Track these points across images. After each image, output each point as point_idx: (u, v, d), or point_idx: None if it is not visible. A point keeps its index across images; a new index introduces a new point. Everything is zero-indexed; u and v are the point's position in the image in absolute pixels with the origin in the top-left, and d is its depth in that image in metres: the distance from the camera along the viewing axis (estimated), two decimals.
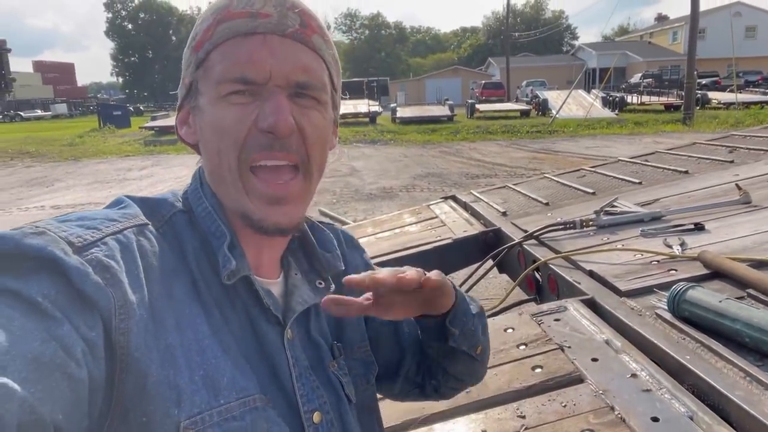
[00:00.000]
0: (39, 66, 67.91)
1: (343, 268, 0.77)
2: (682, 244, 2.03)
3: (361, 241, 3.11)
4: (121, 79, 76.75)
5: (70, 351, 0.47)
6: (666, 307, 1.57)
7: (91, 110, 45.24)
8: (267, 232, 0.64)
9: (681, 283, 1.55)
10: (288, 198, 0.64)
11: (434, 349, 0.81)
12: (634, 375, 1.34)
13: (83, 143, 19.33)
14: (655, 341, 1.46)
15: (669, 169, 3.33)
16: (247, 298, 0.64)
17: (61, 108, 49.50)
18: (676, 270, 1.84)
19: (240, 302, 0.64)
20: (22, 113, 44.64)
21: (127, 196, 0.66)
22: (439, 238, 2.80)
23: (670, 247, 2.03)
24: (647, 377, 1.33)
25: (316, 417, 0.66)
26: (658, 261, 1.94)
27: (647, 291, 1.74)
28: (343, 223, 5.87)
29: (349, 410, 0.71)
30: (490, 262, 2.62)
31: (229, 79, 0.62)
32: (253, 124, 0.61)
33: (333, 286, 0.74)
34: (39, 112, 47.09)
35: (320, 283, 0.74)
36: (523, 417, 1.26)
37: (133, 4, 71.86)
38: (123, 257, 0.55)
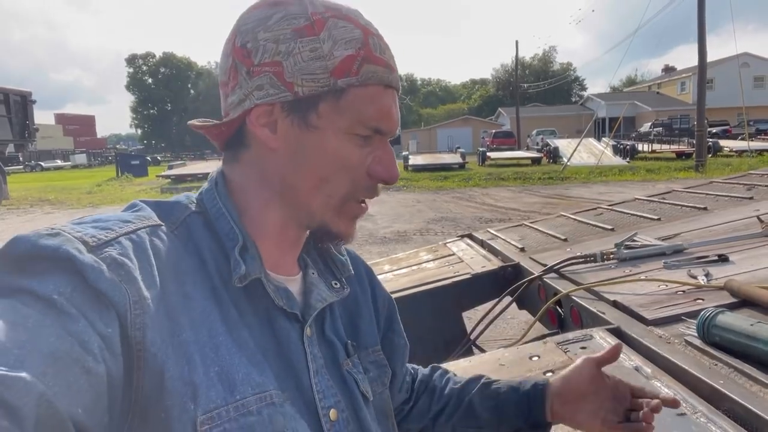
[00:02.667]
0: (60, 118, 70.14)
1: (353, 272, 0.80)
2: (707, 275, 2.00)
3: (378, 278, 3.07)
4: (139, 131, 78.91)
5: (86, 346, 0.47)
6: (695, 334, 1.54)
7: (110, 160, 46.35)
8: (339, 240, 0.71)
9: (710, 309, 1.53)
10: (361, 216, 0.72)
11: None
12: None
13: (101, 191, 19.71)
14: (687, 367, 1.42)
15: (687, 206, 3.32)
16: (263, 296, 0.65)
17: (81, 158, 50.77)
18: (702, 299, 1.81)
19: (258, 300, 0.65)
20: (42, 163, 45.80)
21: (141, 200, 0.67)
22: (457, 274, 2.78)
23: (695, 277, 2.01)
24: (681, 402, 1.28)
25: (333, 414, 0.66)
26: (683, 291, 1.91)
27: (675, 319, 1.70)
28: None
29: (365, 408, 0.71)
30: (508, 298, 2.59)
31: (369, 125, 0.65)
32: (366, 168, 0.67)
33: (348, 288, 0.77)
34: (59, 162, 48.35)
35: (335, 284, 0.76)
36: None
37: (154, 60, 74.63)
38: (136, 255, 0.56)
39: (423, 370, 0.98)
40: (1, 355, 0.41)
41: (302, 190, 0.66)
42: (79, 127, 70.32)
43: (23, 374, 0.41)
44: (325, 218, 0.68)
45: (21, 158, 19.30)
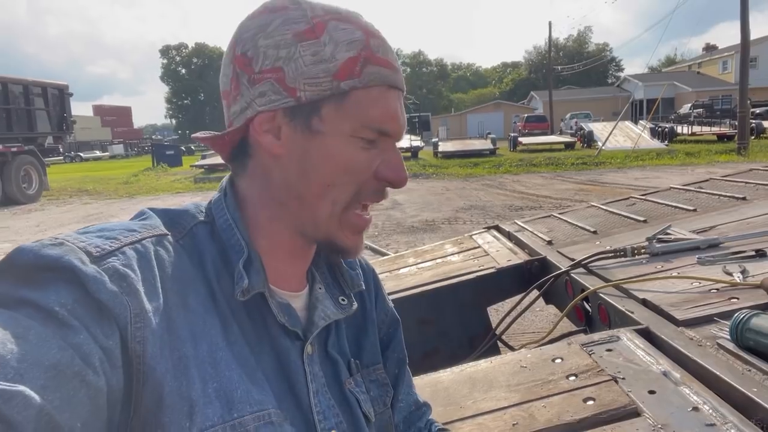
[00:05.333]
0: (98, 110, 72.00)
1: (364, 287, 0.78)
2: (743, 272, 1.91)
3: (402, 271, 3.06)
4: (174, 121, 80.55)
5: (87, 359, 0.46)
6: (728, 337, 1.46)
7: (146, 150, 47.50)
8: (346, 255, 0.70)
9: (744, 310, 1.45)
10: (366, 229, 0.71)
11: None
12: (695, 408, 1.24)
13: (137, 181, 20.18)
14: (718, 373, 1.36)
15: (725, 196, 3.18)
16: (266, 312, 0.64)
17: (118, 149, 52.18)
18: (737, 298, 1.72)
19: (259, 315, 0.63)
20: (81, 154, 47.25)
21: (149, 208, 0.66)
22: (482, 268, 2.74)
23: (730, 274, 1.92)
24: (710, 411, 1.23)
25: None
26: (717, 289, 1.82)
27: (707, 320, 1.63)
28: (383, 254, 5.85)
29: (366, 429, 0.69)
30: (535, 292, 2.53)
31: (373, 128, 0.64)
32: (374, 171, 0.65)
33: (355, 304, 0.75)
34: (97, 153, 49.81)
35: (343, 300, 0.74)
36: None
37: (187, 50, 75.73)
38: (140, 266, 0.55)
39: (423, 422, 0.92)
40: (0, 368, 0.41)
41: (307, 198, 0.64)
42: (116, 118, 72.07)
43: (23, 388, 0.40)
44: (330, 229, 0.66)
45: (61, 149, 19.77)
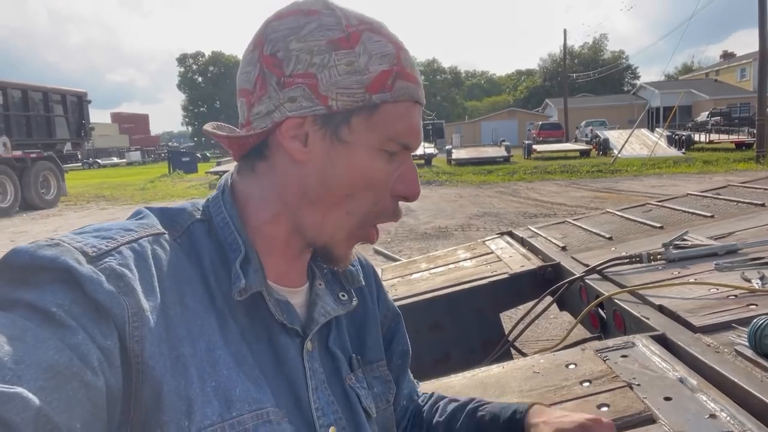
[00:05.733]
0: (116, 117, 73.11)
1: (364, 283, 0.78)
2: (762, 278, 1.87)
3: (414, 276, 3.04)
4: (190, 128, 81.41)
5: (85, 359, 0.46)
6: (746, 344, 1.43)
7: (162, 157, 48.00)
8: (338, 265, 0.70)
9: (762, 316, 1.42)
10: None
11: None
12: (713, 416, 1.22)
13: (154, 188, 20.41)
14: (736, 380, 1.33)
15: (743, 202, 3.13)
16: (264, 309, 0.63)
17: (135, 155, 52.86)
18: (756, 305, 1.69)
19: (257, 312, 0.63)
20: (99, 161, 47.92)
21: (146, 207, 0.66)
22: (494, 273, 2.71)
23: (748, 281, 1.88)
24: (728, 418, 1.20)
25: (332, 431, 0.64)
26: (735, 296, 1.79)
27: (725, 327, 1.60)
28: (395, 260, 5.84)
29: (367, 425, 0.68)
30: (549, 299, 2.51)
31: (399, 142, 0.64)
32: (390, 188, 0.66)
33: (356, 299, 0.74)
34: (115, 160, 50.50)
35: (343, 296, 0.73)
36: None
37: (204, 59, 76.67)
38: (137, 265, 0.55)
39: (419, 399, 0.94)
40: None
41: (323, 205, 0.64)
42: (134, 125, 73.06)
43: (21, 390, 0.40)
44: (334, 238, 0.66)
45: (79, 156, 20.07)
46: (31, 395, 0.40)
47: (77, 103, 16.58)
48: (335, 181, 0.63)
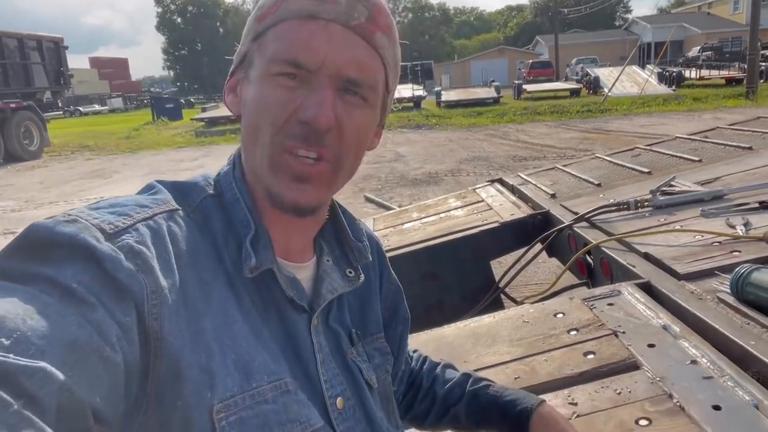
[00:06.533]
0: (95, 62, 70.67)
1: (371, 259, 0.78)
2: (746, 224, 1.91)
3: (406, 226, 3.07)
4: (172, 73, 79.04)
5: (105, 335, 0.47)
6: (729, 291, 1.49)
7: (145, 104, 46.84)
8: (284, 208, 0.64)
9: (745, 265, 1.47)
10: (311, 178, 0.63)
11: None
12: (694, 361, 1.28)
13: (139, 136, 20.02)
14: (717, 326, 1.38)
15: (731, 146, 3.15)
16: (273, 285, 0.65)
17: (117, 102, 51.46)
18: (739, 251, 1.74)
19: (267, 288, 0.64)
20: (81, 108, 46.66)
21: (158, 181, 0.66)
22: (485, 222, 2.75)
23: (732, 227, 1.92)
24: (708, 364, 1.26)
25: (339, 402, 0.67)
26: (719, 242, 1.84)
27: (708, 274, 1.65)
28: (388, 208, 5.87)
29: (369, 396, 0.71)
30: (538, 246, 2.56)
31: (282, 60, 0.61)
32: (294, 111, 0.60)
33: (362, 276, 0.75)
34: (96, 107, 49.17)
35: (350, 272, 0.74)
36: (575, 404, 1.22)
37: None
38: (154, 243, 0.55)
39: (414, 361, 0.97)
40: (22, 344, 0.41)
41: (247, 147, 0.66)
42: (113, 70, 70.75)
43: (44, 364, 0.41)
44: (265, 178, 0.63)
45: (59, 104, 19.54)
46: (54, 370, 0.41)
47: (54, 50, 15.98)
48: (245, 118, 0.65)
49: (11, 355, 0.40)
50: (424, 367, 0.96)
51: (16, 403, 0.37)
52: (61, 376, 0.41)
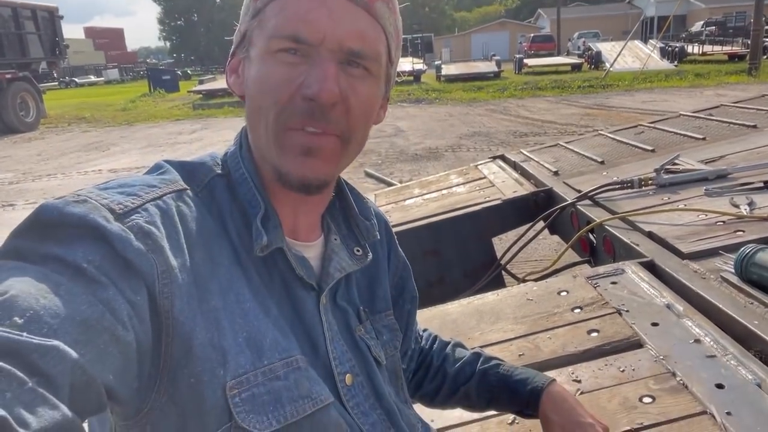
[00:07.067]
0: (90, 32, 69.46)
1: (379, 237, 0.77)
2: (751, 204, 1.91)
3: (408, 202, 3.06)
4: (168, 43, 77.91)
5: (116, 314, 0.48)
6: (732, 270, 1.49)
7: (142, 75, 46.26)
8: (292, 185, 0.63)
9: (750, 245, 1.47)
10: (320, 151, 0.62)
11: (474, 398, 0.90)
12: (697, 340, 1.29)
13: (135, 108, 19.84)
14: (721, 306, 1.39)
15: (735, 124, 3.13)
16: (283, 264, 0.65)
17: (113, 73, 50.81)
18: (743, 231, 1.74)
19: (276, 267, 0.65)
20: (76, 79, 46.12)
21: (166, 161, 0.66)
22: (487, 199, 2.75)
23: (737, 206, 1.92)
24: (711, 343, 1.27)
25: (348, 379, 0.67)
26: (723, 222, 1.84)
27: (712, 253, 1.66)
28: (389, 184, 5.85)
29: (378, 372, 0.72)
30: (540, 224, 2.56)
31: (282, 35, 0.60)
32: (297, 88, 0.59)
33: (370, 254, 0.75)
34: (92, 78, 48.57)
35: (358, 251, 0.74)
36: (579, 381, 1.23)
37: None
38: (163, 223, 0.56)
39: (424, 340, 0.97)
40: (35, 323, 0.42)
41: (252, 127, 0.65)
42: (109, 40, 69.62)
43: (58, 343, 0.41)
44: (273, 158, 0.63)
45: (55, 75, 19.31)
46: (67, 348, 0.42)
47: (49, 19, 15.70)
48: (249, 98, 0.64)
49: (25, 334, 0.40)
50: (435, 345, 0.96)
51: (31, 380, 0.38)
52: (74, 354, 0.42)
